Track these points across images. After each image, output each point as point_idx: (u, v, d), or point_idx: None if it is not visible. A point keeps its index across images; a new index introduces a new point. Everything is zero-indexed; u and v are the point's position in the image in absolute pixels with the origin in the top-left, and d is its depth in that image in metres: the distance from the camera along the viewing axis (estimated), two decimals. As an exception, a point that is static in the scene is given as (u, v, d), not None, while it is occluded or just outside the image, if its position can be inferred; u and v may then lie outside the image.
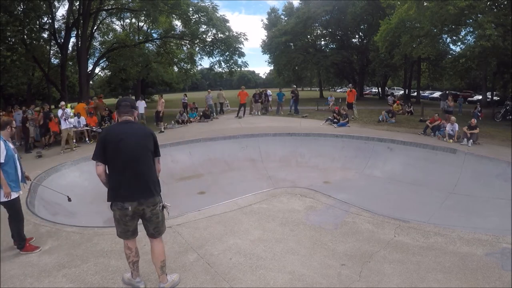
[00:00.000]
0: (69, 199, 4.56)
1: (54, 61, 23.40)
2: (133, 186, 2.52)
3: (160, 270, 2.72)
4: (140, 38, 24.67)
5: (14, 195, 3.45)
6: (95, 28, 21.42)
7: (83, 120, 11.10)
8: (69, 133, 9.58)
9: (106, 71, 29.28)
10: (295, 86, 20.41)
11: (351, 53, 31.94)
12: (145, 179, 2.57)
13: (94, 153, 2.55)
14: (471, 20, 15.46)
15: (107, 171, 2.58)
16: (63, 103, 9.73)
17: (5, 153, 3.37)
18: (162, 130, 12.81)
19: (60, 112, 9.42)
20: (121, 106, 2.67)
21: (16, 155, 3.57)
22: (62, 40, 20.04)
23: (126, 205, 2.51)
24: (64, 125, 9.34)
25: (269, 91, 19.32)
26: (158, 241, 2.75)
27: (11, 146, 3.58)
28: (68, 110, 9.65)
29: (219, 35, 20.40)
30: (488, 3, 14.93)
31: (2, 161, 3.32)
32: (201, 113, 15.65)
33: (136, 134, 2.59)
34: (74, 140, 10.60)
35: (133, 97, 17.57)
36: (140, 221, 2.72)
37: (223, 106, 18.66)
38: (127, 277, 2.86)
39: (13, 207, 3.50)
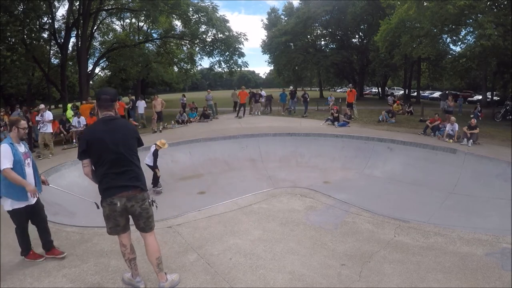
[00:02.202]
0: (98, 207, 4.36)
1: (54, 61, 23.45)
2: (120, 181, 2.53)
3: (157, 267, 2.69)
4: (140, 38, 24.66)
5: (17, 205, 3.13)
6: (95, 28, 21.42)
7: (83, 120, 11.11)
8: (45, 137, 8.95)
9: (106, 71, 29.32)
10: (291, 87, 20.37)
11: (351, 53, 31.96)
12: (132, 174, 2.58)
13: (78, 153, 2.55)
14: (471, 20, 15.47)
15: (94, 169, 2.58)
16: (42, 106, 9.19)
17: (12, 159, 3.01)
18: (160, 130, 12.55)
19: (38, 117, 8.99)
20: (100, 100, 2.57)
21: (26, 160, 3.20)
22: (62, 40, 20.04)
23: (115, 201, 2.50)
24: (41, 129, 8.99)
25: (263, 92, 19.41)
26: (152, 238, 2.69)
27: (22, 150, 3.21)
28: (49, 113, 9.03)
29: (219, 35, 20.44)
30: (488, 3, 14.92)
31: (5, 167, 2.96)
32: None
33: (118, 130, 2.57)
34: (74, 140, 10.62)
35: (133, 97, 17.50)
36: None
37: (236, 104, 18.82)
38: (127, 277, 2.86)
39: (14, 217, 3.21)
